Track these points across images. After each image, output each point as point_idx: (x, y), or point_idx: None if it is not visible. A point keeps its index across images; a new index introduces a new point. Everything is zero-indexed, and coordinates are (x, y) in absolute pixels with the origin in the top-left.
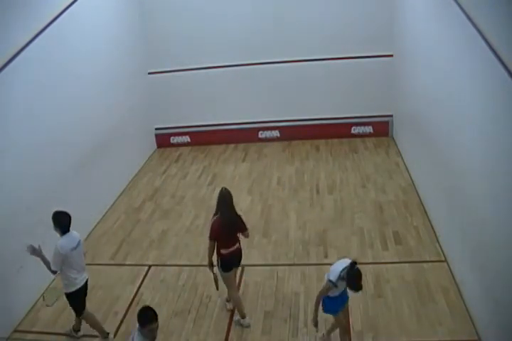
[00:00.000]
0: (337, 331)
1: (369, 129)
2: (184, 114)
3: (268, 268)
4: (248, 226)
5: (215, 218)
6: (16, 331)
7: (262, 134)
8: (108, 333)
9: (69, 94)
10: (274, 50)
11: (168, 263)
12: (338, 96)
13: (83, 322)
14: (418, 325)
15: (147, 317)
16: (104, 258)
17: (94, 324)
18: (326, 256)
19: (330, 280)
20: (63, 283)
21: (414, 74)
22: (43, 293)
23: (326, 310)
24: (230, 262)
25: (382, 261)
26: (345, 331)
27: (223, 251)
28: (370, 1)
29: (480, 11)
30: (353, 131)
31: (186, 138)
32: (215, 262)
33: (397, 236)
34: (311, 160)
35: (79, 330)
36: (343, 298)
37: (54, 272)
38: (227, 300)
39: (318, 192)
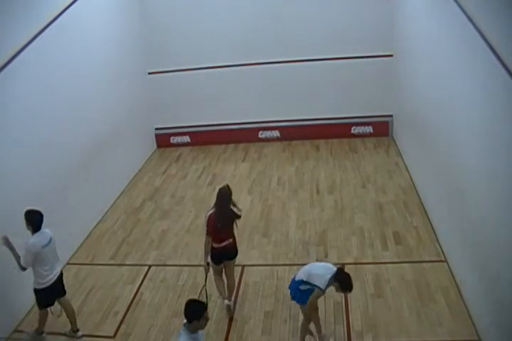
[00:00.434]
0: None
1: (369, 129)
2: (184, 114)
3: (268, 268)
4: (248, 226)
5: (210, 212)
6: (15, 331)
7: (262, 134)
8: (43, 332)
9: (69, 94)
10: (274, 50)
11: (168, 263)
12: (338, 96)
13: (77, 320)
14: (418, 325)
15: (198, 310)
16: (104, 258)
17: (42, 321)
18: (326, 256)
19: (320, 289)
20: (34, 280)
21: (414, 74)
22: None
23: (300, 301)
24: (220, 256)
25: (382, 261)
26: (309, 321)
27: (215, 245)
28: (370, 1)
29: (480, 10)
30: (352, 131)
31: (186, 138)
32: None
33: (397, 236)
34: (311, 160)
35: (78, 330)
36: (311, 290)
37: (24, 269)
38: (228, 299)
39: (318, 192)
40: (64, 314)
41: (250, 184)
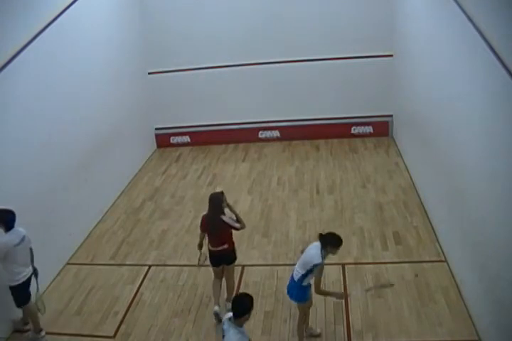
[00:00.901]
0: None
1: (369, 129)
2: (184, 114)
3: (268, 268)
4: (248, 226)
5: (204, 213)
6: (15, 331)
7: (262, 134)
8: (41, 329)
9: (69, 94)
10: (274, 50)
11: (168, 263)
12: (338, 96)
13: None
14: (418, 325)
15: (250, 303)
16: (104, 258)
17: (33, 316)
18: None
19: (318, 264)
20: (6, 277)
21: (414, 74)
22: (37, 305)
23: (302, 300)
24: (218, 259)
25: (382, 261)
26: (305, 317)
27: (210, 248)
28: (370, 1)
29: (480, 10)
30: (352, 131)
31: (186, 138)
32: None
33: (397, 236)
34: (311, 160)
35: (41, 330)
36: (311, 286)
37: None
38: (227, 300)
39: (318, 192)
40: (55, 307)
41: (250, 184)
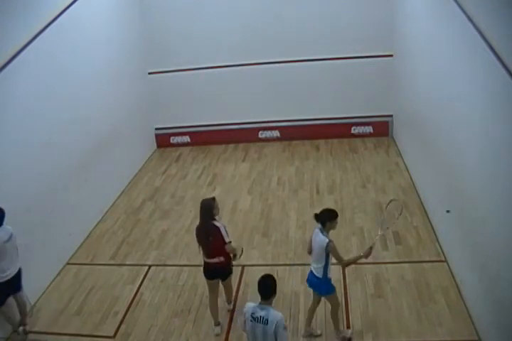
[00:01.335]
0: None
1: (369, 129)
2: (184, 114)
3: (268, 268)
4: (248, 226)
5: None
6: (15, 331)
7: (262, 134)
8: (19, 325)
9: (69, 94)
10: (274, 50)
11: (168, 263)
12: (338, 96)
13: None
14: (418, 325)
15: (274, 283)
16: (104, 258)
17: (8, 316)
18: None
19: (328, 243)
20: None
21: (414, 74)
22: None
23: (332, 291)
24: (210, 272)
25: (382, 261)
26: (338, 306)
27: (205, 259)
28: (370, 1)
29: (480, 10)
30: (353, 131)
31: (186, 138)
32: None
33: (397, 236)
34: (311, 160)
35: (26, 324)
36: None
37: None
38: (228, 302)
39: (318, 192)
40: (55, 307)
41: (250, 184)
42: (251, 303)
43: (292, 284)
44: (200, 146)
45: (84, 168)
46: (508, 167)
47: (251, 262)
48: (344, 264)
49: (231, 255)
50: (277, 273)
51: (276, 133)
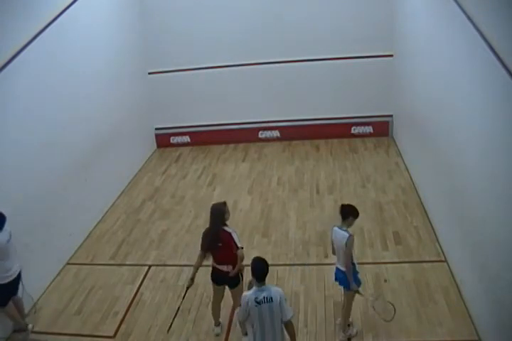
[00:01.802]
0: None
1: (369, 129)
2: (184, 114)
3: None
4: (248, 226)
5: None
6: (15, 331)
7: (262, 134)
8: (27, 324)
9: (69, 94)
10: (274, 50)
11: (168, 263)
12: (338, 96)
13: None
14: (418, 325)
15: (266, 265)
16: (104, 258)
17: (15, 316)
18: (326, 256)
19: (349, 238)
20: None
21: (414, 74)
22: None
23: (357, 285)
24: (218, 278)
25: (382, 261)
26: (351, 304)
27: (214, 265)
28: (370, 1)
29: (480, 10)
30: (352, 131)
31: (186, 138)
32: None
33: (397, 236)
34: (311, 160)
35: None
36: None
37: None
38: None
39: (318, 192)
40: (55, 306)
41: (250, 184)
42: (247, 292)
43: (292, 284)
44: (200, 146)
45: (84, 168)
46: (508, 167)
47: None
48: (346, 261)
49: (238, 263)
50: (277, 273)
51: (276, 133)
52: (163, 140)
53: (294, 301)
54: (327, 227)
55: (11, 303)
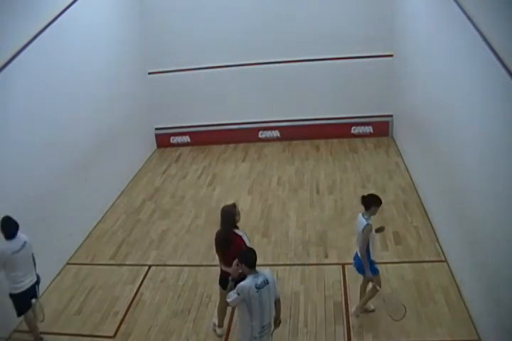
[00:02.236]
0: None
1: (369, 129)
2: (184, 114)
3: (268, 268)
4: (248, 226)
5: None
6: (16, 331)
7: (262, 134)
8: (41, 338)
9: (69, 95)
10: (274, 50)
11: (168, 263)
12: (338, 96)
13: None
14: (418, 325)
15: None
16: (104, 258)
17: (33, 328)
18: (326, 256)
19: (366, 226)
20: (9, 285)
21: (414, 74)
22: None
23: (376, 272)
24: (224, 281)
25: (382, 261)
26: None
27: (222, 268)
28: (370, 1)
29: (480, 10)
30: (352, 131)
31: (186, 138)
32: None
33: (397, 236)
34: (311, 160)
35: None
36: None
37: None
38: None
39: (318, 192)
40: (55, 306)
41: (250, 184)
42: (243, 282)
43: (292, 284)
44: (200, 146)
45: (84, 168)
46: (508, 167)
47: None
48: (361, 248)
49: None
50: (277, 273)
51: (276, 133)
52: (163, 140)
53: (294, 301)
54: (327, 227)
55: (28, 313)
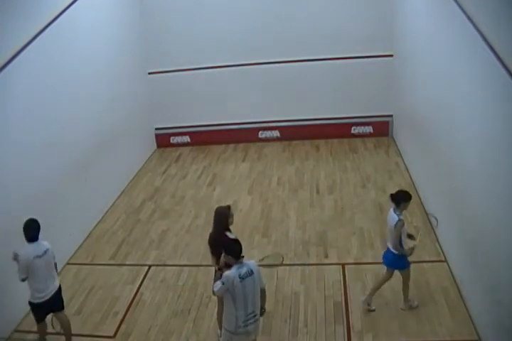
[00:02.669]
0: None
1: (369, 129)
2: (184, 114)
3: (268, 268)
4: (248, 226)
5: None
6: (16, 331)
7: (262, 134)
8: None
9: (69, 95)
10: (274, 50)
11: (168, 263)
12: (338, 96)
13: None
14: (418, 325)
15: (240, 246)
16: (104, 258)
17: (41, 334)
18: (326, 256)
19: (398, 221)
20: (30, 293)
21: (414, 74)
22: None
23: (407, 265)
24: None
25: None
26: (409, 279)
27: (216, 269)
28: (370, 1)
29: (480, 10)
30: (352, 131)
31: (186, 138)
32: None
33: None
34: (311, 160)
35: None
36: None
37: (22, 280)
38: None
39: (318, 192)
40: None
41: (250, 184)
42: (228, 271)
43: (292, 284)
44: (200, 146)
45: (84, 168)
46: (508, 167)
47: None
48: (396, 246)
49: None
50: (277, 273)
51: (276, 133)
52: (163, 140)
53: (294, 301)
54: (327, 227)
55: (44, 323)
